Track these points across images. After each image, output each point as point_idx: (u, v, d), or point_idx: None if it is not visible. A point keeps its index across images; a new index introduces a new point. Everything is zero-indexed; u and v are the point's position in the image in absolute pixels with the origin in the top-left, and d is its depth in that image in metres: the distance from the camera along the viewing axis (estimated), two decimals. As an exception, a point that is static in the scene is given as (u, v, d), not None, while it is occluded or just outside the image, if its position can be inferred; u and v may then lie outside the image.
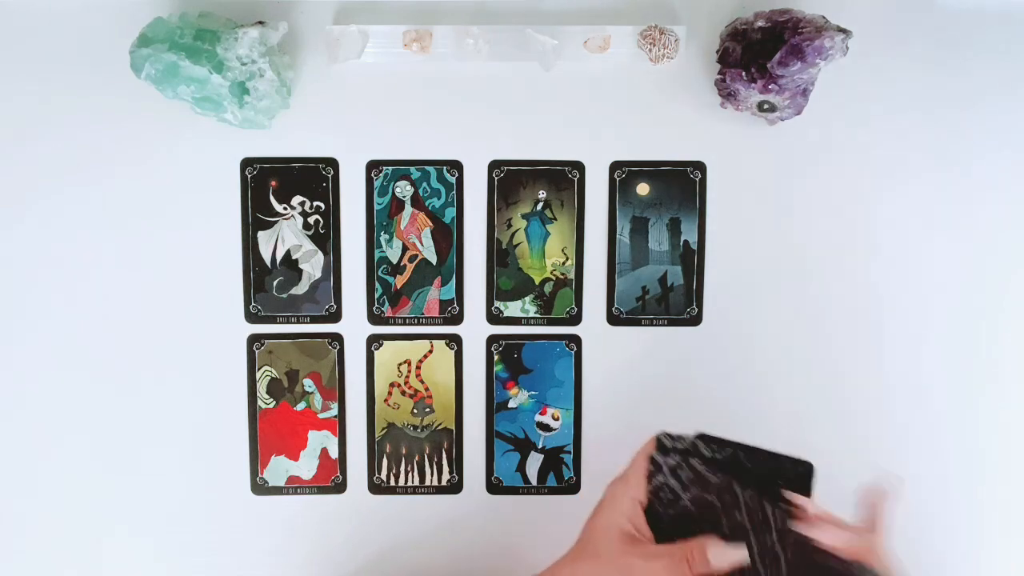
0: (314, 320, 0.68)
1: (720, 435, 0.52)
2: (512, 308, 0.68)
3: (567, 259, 0.68)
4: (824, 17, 0.60)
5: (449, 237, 0.68)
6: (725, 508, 0.48)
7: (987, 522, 0.68)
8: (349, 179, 0.67)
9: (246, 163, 0.67)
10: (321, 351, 0.68)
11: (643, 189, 0.67)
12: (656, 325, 0.68)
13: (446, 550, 0.68)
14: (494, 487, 0.68)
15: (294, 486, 0.68)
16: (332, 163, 0.67)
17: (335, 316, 0.68)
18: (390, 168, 0.67)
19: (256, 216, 0.67)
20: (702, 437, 0.51)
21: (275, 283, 0.67)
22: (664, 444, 0.52)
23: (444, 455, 0.68)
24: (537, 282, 0.68)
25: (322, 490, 0.68)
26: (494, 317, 0.68)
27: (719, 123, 0.67)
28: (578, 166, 0.67)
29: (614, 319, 0.68)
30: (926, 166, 0.67)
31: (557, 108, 0.67)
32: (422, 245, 0.68)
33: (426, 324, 0.68)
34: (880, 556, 0.48)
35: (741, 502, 0.48)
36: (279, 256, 0.67)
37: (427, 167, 0.67)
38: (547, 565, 0.52)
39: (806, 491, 0.50)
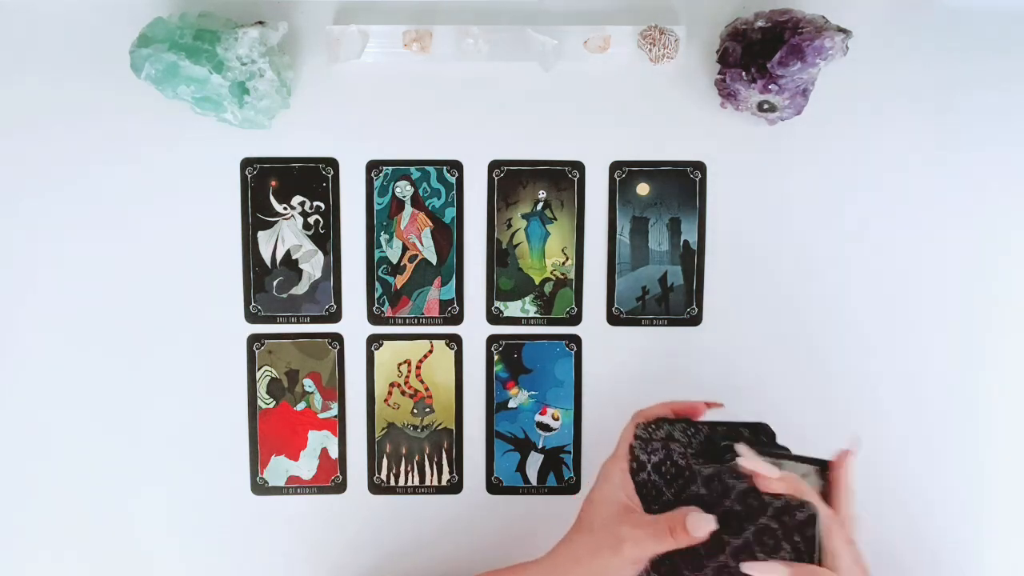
0: (314, 320, 0.68)
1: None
2: (512, 308, 0.68)
3: (567, 259, 0.68)
4: (824, 17, 0.60)
5: (449, 237, 0.68)
6: (683, 485, 0.52)
7: (987, 522, 0.68)
8: (349, 179, 0.67)
9: (246, 163, 0.67)
10: (321, 351, 0.68)
11: (643, 189, 0.67)
12: (656, 325, 0.68)
13: (446, 550, 0.68)
14: (494, 487, 0.68)
15: (294, 486, 0.68)
16: (332, 163, 0.67)
17: (335, 316, 0.68)
18: (390, 168, 0.67)
19: (256, 216, 0.67)
20: (674, 424, 0.55)
21: (275, 283, 0.67)
22: (641, 436, 0.55)
23: (444, 455, 0.68)
24: (537, 282, 0.68)
25: (322, 490, 0.68)
26: (494, 317, 0.68)
27: (719, 123, 0.66)
28: (578, 166, 0.67)
29: (614, 319, 0.68)
30: (926, 165, 0.67)
31: (557, 108, 0.67)
32: (422, 245, 0.68)
33: (426, 324, 0.68)
34: (837, 501, 0.50)
35: (698, 478, 0.51)
36: (279, 256, 0.67)
37: (427, 167, 0.67)
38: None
39: (778, 448, 0.53)
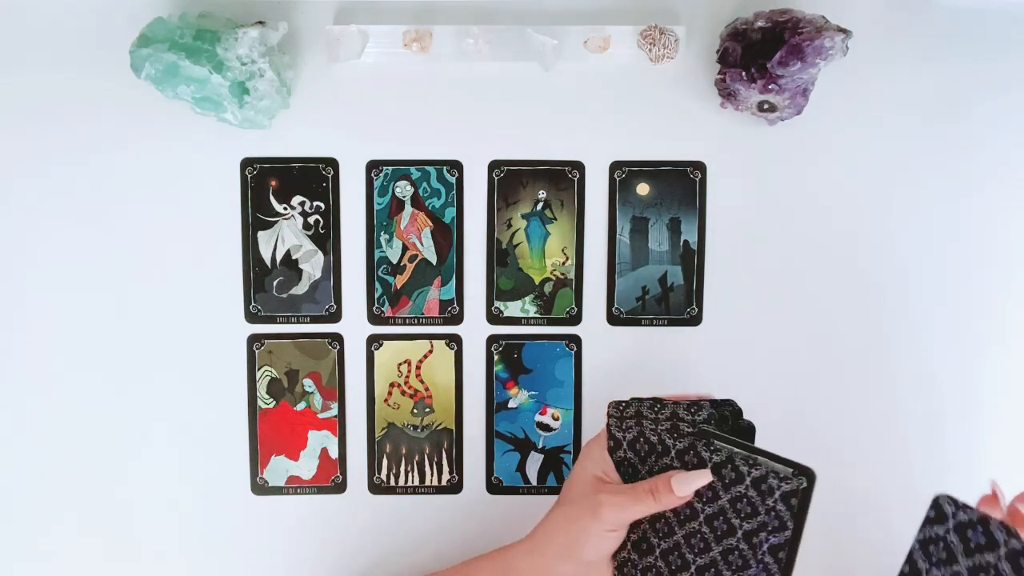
0: (314, 320, 0.68)
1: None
2: (512, 308, 0.68)
3: (567, 259, 0.68)
4: (824, 17, 0.60)
5: (449, 237, 0.68)
6: (655, 457, 0.53)
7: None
8: (349, 179, 0.67)
9: (246, 163, 0.67)
10: (321, 351, 0.68)
11: (643, 189, 0.67)
12: (656, 325, 0.68)
13: (446, 550, 0.68)
14: (494, 487, 0.68)
15: (294, 486, 0.68)
16: (332, 163, 0.67)
17: (335, 316, 0.68)
18: (390, 168, 0.67)
19: (256, 216, 0.67)
20: (641, 402, 0.56)
21: (275, 283, 0.67)
22: (613, 415, 0.56)
23: (444, 455, 0.68)
24: (537, 282, 0.68)
25: (322, 490, 0.68)
26: (494, 317, 0.68)
27: (719, 123, 0.66)
28: (578, 166, 0.67)
29: (614, 319, 0.68)
30: (926, 166, 0.67)
31: (557, 108, 0.67)
32: (422, 245, 0.68)
33: (426, 324, 0.68)
34: None
35: (672, 451, 0.52)
36: (279, 256, 0.67)
37: (427, 167, 0.67)
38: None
39: (744, 427, 0.55)
